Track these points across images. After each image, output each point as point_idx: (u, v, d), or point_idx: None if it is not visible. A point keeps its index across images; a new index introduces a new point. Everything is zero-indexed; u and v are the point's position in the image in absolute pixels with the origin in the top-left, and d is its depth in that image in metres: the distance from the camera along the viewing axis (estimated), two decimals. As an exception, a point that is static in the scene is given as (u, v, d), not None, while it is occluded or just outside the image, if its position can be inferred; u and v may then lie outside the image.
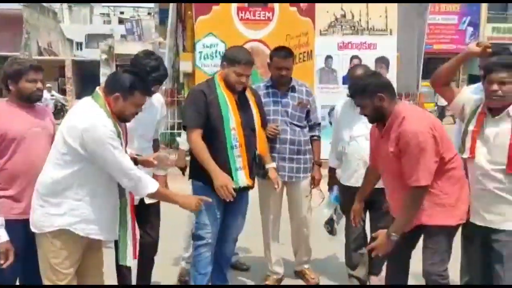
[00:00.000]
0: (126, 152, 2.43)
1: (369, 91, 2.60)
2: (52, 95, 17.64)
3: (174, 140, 7.44)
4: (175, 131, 7.93)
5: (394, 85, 3.16)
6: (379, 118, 2.64)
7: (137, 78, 2.37)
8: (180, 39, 7.85)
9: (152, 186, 2.37)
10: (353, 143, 3.36)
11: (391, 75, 6.71)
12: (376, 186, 3.02)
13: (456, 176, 2.60)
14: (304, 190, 3.64)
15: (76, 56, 28.99)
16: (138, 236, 2.63)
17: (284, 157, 3.49)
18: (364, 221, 3.37)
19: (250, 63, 3.03)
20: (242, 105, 3.08)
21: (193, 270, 3.18)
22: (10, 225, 2.43)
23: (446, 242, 2.61)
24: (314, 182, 3.67)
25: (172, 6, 7.54)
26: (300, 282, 3.77)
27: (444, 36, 20.46)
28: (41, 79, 2.66)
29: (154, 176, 2.80)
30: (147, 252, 3.10)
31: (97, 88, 2.40)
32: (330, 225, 3.60)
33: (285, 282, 3.77)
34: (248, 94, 3.16)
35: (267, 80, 3.66)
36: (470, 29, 20.71)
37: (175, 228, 3.78)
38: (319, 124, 3.77)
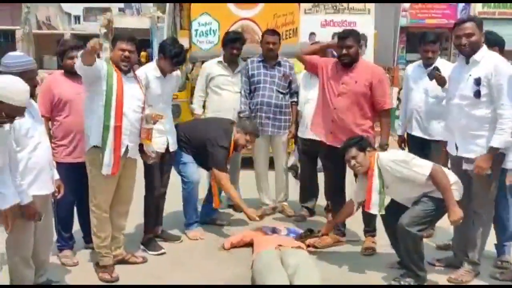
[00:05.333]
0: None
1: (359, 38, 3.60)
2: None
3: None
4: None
5: (372, 60, 4.01)
6: (354, 60, 3.62)
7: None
8: (178, 17, 8.47)
9: None
10: (307, 105, 4.34)
11: (370, 51, 7.37)
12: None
13: None
14: (284, 142, 4.62)
15: (75, 30, 29.24)
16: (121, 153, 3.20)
17: (269, 116, 4.46)
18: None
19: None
20: None
21: None
22: (65, 167, 3.25)
23: None
24: (291, 136, 4.63)
25: (169, -13, 8.13)
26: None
27: (436, 11, 20.87)
28: None
29: (143, 128, 3.37)
30: None
31: None
32: (294, 170, 4.58)
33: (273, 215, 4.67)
34: None
35: (259, 55, 4.57)
36: (462, 4, 21.10)
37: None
38: (297, 92, 4.62)
